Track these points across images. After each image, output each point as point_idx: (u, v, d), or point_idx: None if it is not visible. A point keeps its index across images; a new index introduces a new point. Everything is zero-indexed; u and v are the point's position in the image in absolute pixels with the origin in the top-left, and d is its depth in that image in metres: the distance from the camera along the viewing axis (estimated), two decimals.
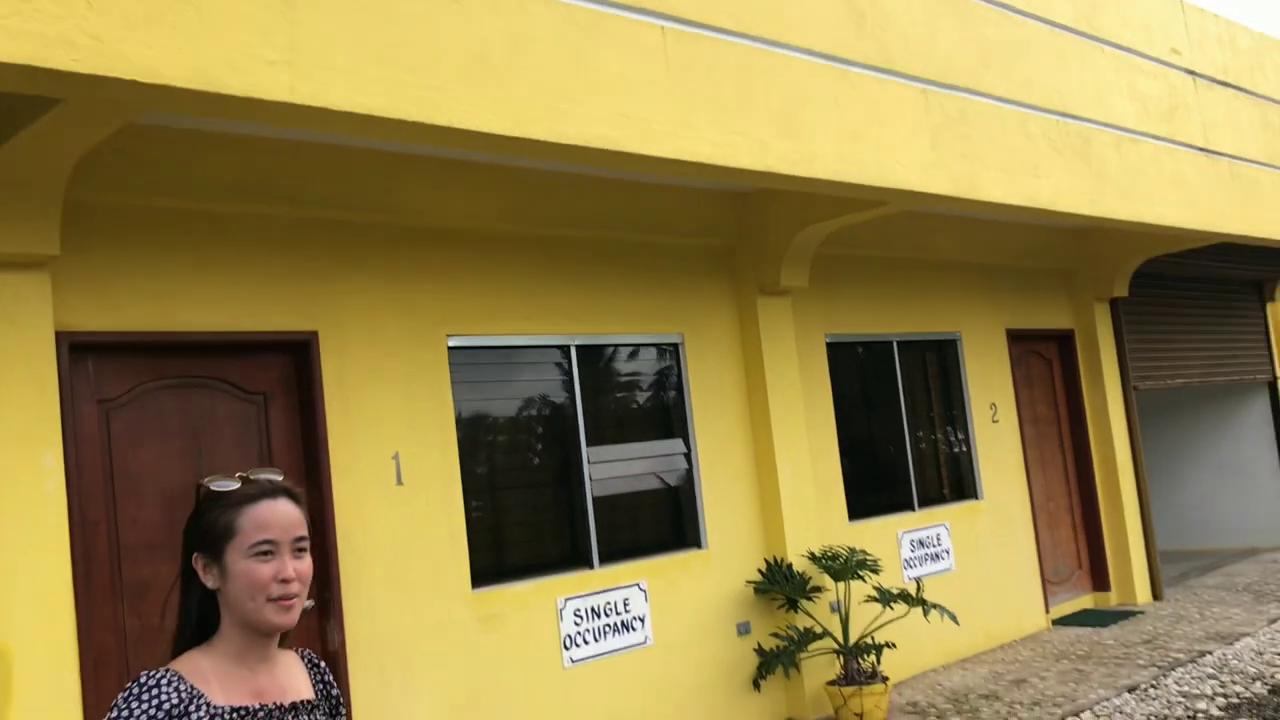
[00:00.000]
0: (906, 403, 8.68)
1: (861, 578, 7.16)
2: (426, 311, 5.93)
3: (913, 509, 8.54)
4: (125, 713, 1.80)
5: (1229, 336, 12.29)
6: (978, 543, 8.95)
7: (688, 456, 7.10)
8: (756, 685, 7.04)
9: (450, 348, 6.03)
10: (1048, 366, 10.43)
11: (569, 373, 6.56)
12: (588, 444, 6.55)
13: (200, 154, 5.11)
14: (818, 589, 7.16)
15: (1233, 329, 12.37)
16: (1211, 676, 7.31)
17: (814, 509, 7.53)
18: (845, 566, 7.11)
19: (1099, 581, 10.33)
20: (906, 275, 8.83)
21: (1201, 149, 9.07)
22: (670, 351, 7.15)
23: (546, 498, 6.50)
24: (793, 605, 7.12)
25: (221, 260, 5.23)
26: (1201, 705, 6.69)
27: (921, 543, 8.48)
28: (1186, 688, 7.09)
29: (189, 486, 4.91)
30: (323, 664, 2.15)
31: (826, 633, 7.06)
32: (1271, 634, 8.45)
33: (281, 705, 1.96)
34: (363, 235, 5.75)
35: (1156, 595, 10.35)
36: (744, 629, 7.10)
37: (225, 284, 5.23)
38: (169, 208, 5.08)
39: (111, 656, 4.79)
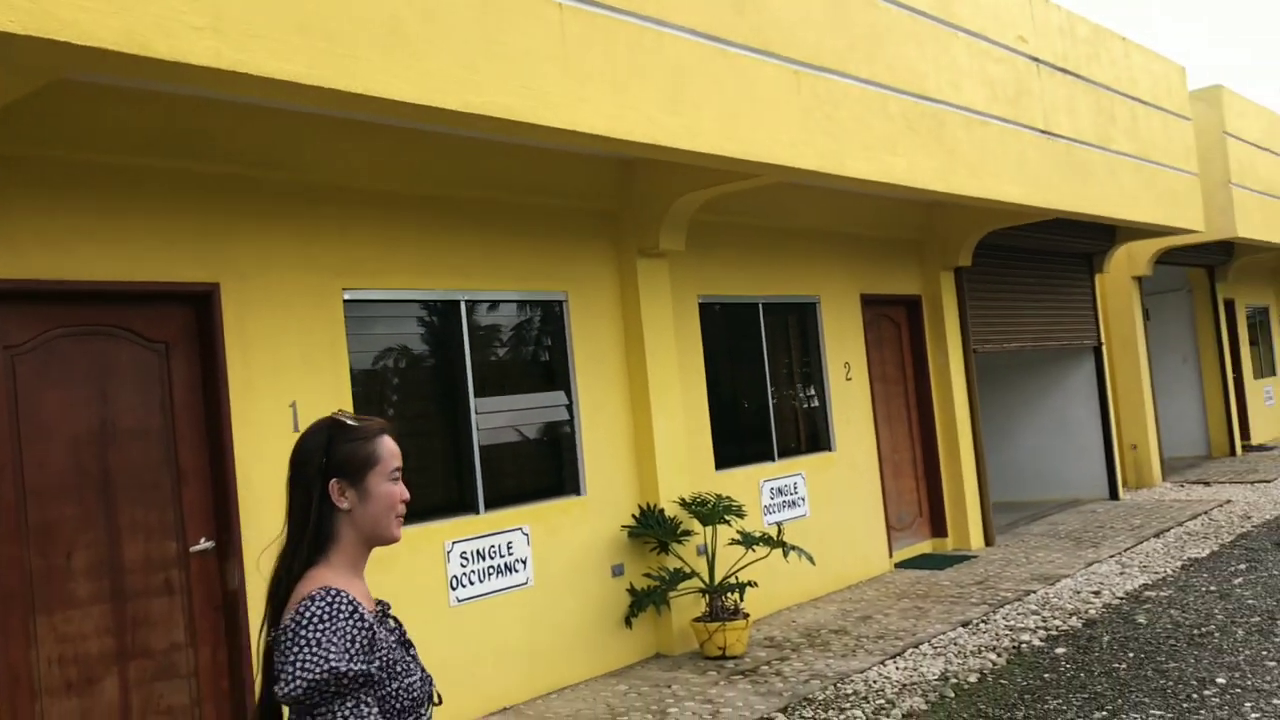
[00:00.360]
0: (769, 361, 9.25)
1: (727, 522, 7.71)
2: (324, 266, 6.15)
3: (773, 459, 9.14)
4: (328, 624, 2.04)
5: (1060, 305, 13.30)
6: (830, 491, 9.63)
7: (569, 409, 7.50)
8: (629, 623, 7.54)
9: (346, 301, 6.26)
10: (897, 329, 11.17)
11: (459, 327, 6.86)
12: (476, 395, 6.88)
13: (110, 109, 5.21)
14: (687, 533, 7.68)
15: (1064, 298, 13.39)
16: (1034, 613, 8.14)
17: (685, 459, 8.04)
18: (713, 512, 7.64)
19: (937, 528, 11.19)
20: (773, 242, 9.36)
21: (1042, 131, 9.84)
22: (555, 308, 7.51)
23: (436, 446, 6.82)
24: (664, 548, 7.62)
25: (127, 212, 5.35)
26: (1025, 637, 7.47)
27: (780, 491, 9.10)
28: (1013, 622, 7.89)
29: (93, 432, 5.09)
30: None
31: (694, 573, 7.59)
32: (1088, 575, 9.38)
33: (380, 605, 2.33)
34: (265, 191, 5.92)
35: (988, 541, 11.27)
36: (618, 570, 7.57)
37: (131, 235, 5.36)
38: (78, 160, 5.18)
39: (17, 596, 4.94)
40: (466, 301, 6.93)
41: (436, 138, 6.60)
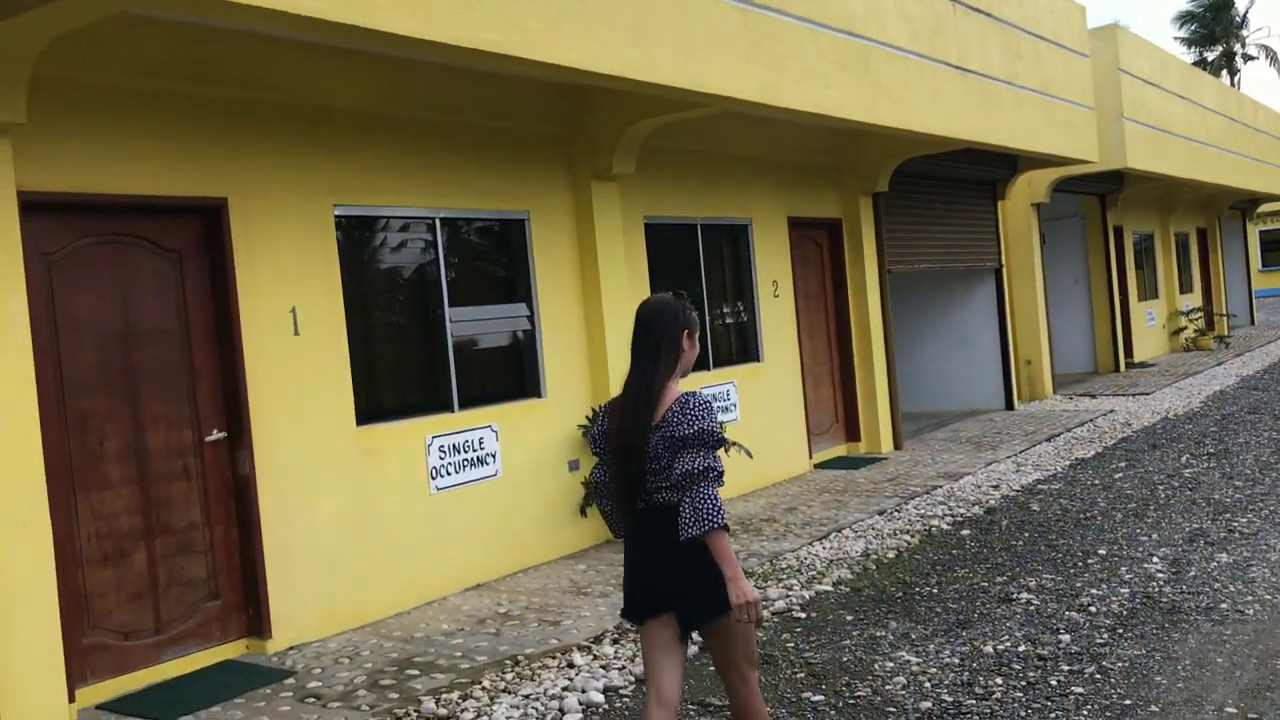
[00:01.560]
0: (706, 278, 10.01)
1: None
2: (318, 183, 6.70)
3: (709, 368, 9.95)
4: (711, 406, 3.49)
5: (966, 229, 14.30)
6: (758, 398, 10.50)
7: (531, 319, 8.17)
8: (583, 512, 8.32)
9: (337, 216, 6.82)
10: (819, 250, 12.01)
11: (434, 241, 7.46)
12: (450, 305, 7.51)
13: (136, 36, 5.66)
14: None
15: (970, 223, 14.39)
16: (941, 503, 9.15)
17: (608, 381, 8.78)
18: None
19: (851, 433, 12.19)
20: (711, 167, 10.07)
21: (957, 66, 10.67)
22: (518, 226, 8.14)
23: (416, 351, 7.46)
24: None
25: (148, 132, 5.84)
26: (935, 522, 8.46)
27: (715, 398, 9.93)
28: (923, 511, 8.88)
29: (119, 332, 5.70)
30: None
31: None
32: (987, 473, 10.45)
33: None
34: (269, 113, 6.43)
35: (898, 445, 12.31)
36: (574, 465, 8.33)
37: (150, 153, 5.85)
38: (106, 83, 5.64)
39: (61, 477, 5.50)
40: (441, 219, 7.52)
41: (416, 64, 7.12)
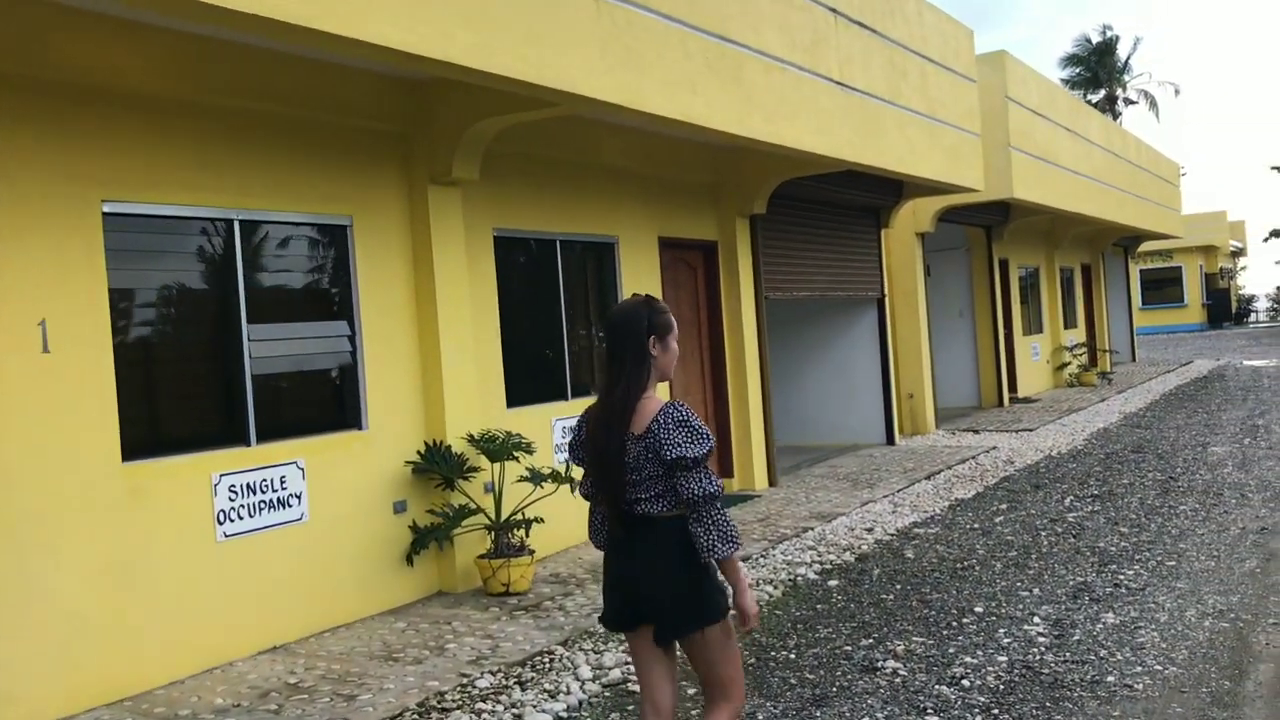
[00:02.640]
0: (566, 298, 9.15)
1: (515, 459, 7.61)
2: (80, 174, 5.66)
3: (566, 398, 9.08)
4: (698, 418, 3.45)
5: (848, 257, 13.72)
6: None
7: (352, 339, 7.20)
8: (410, 560, 7.36)
9: (105, 214, 5.79)
10: (693, 273, 11.26)
11: (232, 247, 6.46)
12: (249, 321, 6.51)
13: None
14: (474, 469, 7.55)
15: (852, 250, 13.81)
16: (811, 548, 8.40)
17: (475, 395, 7.87)
18: (501, 448, 7.52)
19: (724, 468, 11.42)
20: (573, 178, 9.24)
21: (838, 82, 10.03)
22: (339, 233, 7.17)
23: (205, 373, 6.43)
24: (449, 484, 7.46)
25: None
26: (801, 570, 7.70)
27: (568, 430, 9.04)
28: (790, 557, 8.11)
29: None
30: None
31: (480, 510, 7.47)
32: (862, 514, 9.76)
33: None
34: (17, 89, 5.38)
35: (772, 482, 11.58)
36: (400, 507, 7.37)
37: None
38: None
39: None
40: (242, 221, 6.52)
41: (217, 43, 6.16)
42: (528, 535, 7.56)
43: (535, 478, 7.61)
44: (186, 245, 6.30)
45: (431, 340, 7.60)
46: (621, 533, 3.51)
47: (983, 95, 14.67)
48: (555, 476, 7.59)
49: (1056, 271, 23.44)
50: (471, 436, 7.57)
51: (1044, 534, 8.49)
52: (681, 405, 3.45)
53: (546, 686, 5.47)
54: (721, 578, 3.49)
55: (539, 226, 8.88)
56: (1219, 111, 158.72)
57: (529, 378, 8.82)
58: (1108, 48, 55.35)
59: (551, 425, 8.84)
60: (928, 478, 11.67)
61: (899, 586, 7.17)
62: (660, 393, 3.68)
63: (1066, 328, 23.90)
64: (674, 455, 3.33)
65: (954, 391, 19.07)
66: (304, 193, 6.89)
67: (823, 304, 14.38)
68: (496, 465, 7.60)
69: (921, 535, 8.75)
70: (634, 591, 3.51)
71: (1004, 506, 9.78)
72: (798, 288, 12.49)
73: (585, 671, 5.62)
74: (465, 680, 5.63)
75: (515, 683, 5.58)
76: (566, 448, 3.83)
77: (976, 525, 9.00)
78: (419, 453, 7.46)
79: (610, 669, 5.66)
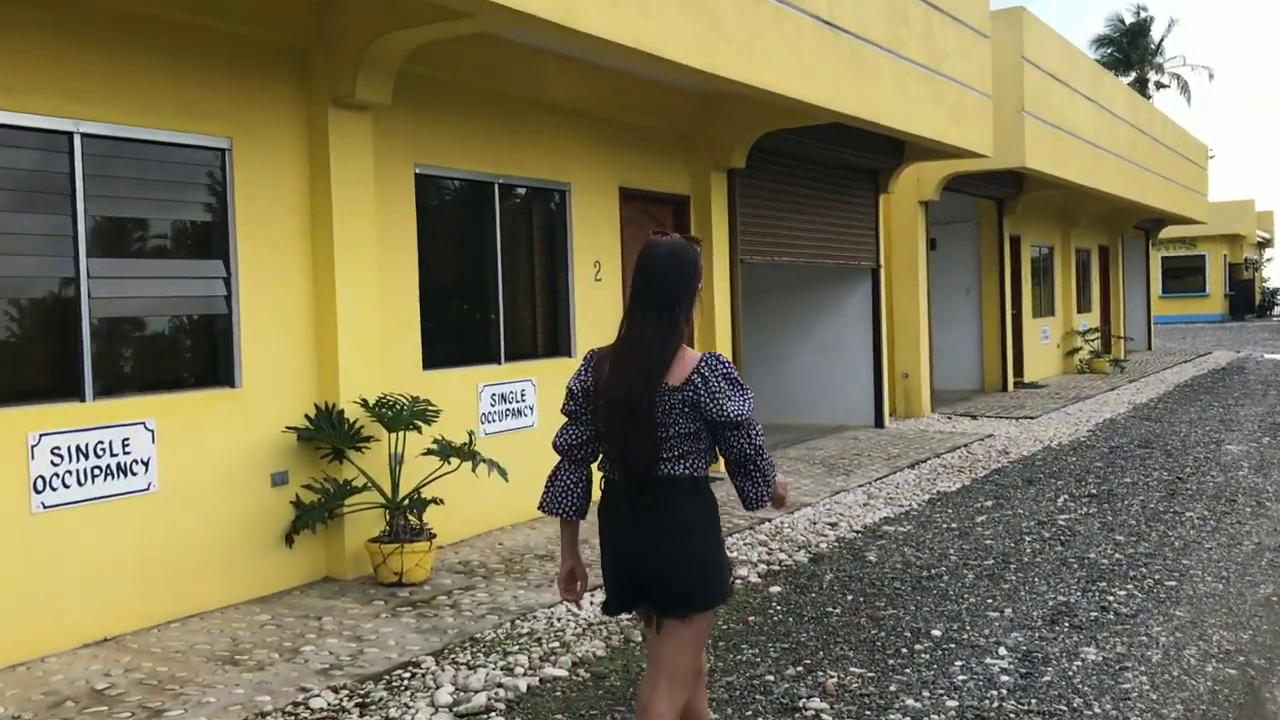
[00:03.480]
0: (504, 249, 8.11)
1: (417, 428, 6.60)
2: None
3: (499, 362, 8.06)
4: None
5: (840, 222, 12.61)
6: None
7: (227, 282, 6.19)
8: (290, 540, 6.38)
9: None
10: (660, 230, 10.18)
11: (70, 166, 5.44)
12: (89, 255, 5.49)
13: None
14: (369, 439, 6.55)
15: (845, 215, 12.70)
16: (762, 544, 7.38)
17: (379, 353, 6.86)
18: (399, 416, 6.52)
19: None
20: (518, 115, 8.17)
21: (825, 21, 8.91)
22: (215, 158, 6.14)
23: (27, 314, 5.42)
24: (339, 456, 6.46)
25: None
26: (744, 572, 6.68)
27: (504, 397, 8.04)
28: (737, 554, 7.09)
29: None
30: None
31: (374, 486, 6.48)
32: (830, 505, 8.73)
33: None
34: None
35: None
36: (280, 479, 6.38)
37: None
38: None
39: None
40: (84, 134, 5.49)
41: None
42: (421, 517, 6.56)
43: (442, 451, 6.61)
44: (10, 161, 5.27)
45: (328, 287, 6.58)
46: (631, 497, 3.10)
47: (996, 54, 13.50)
48: (460, 450, 6.57)
49: (1072, 252, 22.25)
50: (365, 401, 6.56)
51: (1028, 539, 7.45)
52: (721, 356, 3.12)
53: (391, 713, 4.48)
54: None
55: (473, 166, 7.82)
56: (1251, 99, 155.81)
57: (454, 337, 7.80)
58: (1141, 29, 53.55)
59: (478, 392, 7.82)
60: (912, 466, 10.63)
61: (850, 597, 6.15)
62: None
63: (1080, 311, 22.73)
64: (724, 415, 3.02)
65: (955, 373, 17.98)
66: (169, 107, 5.85)
67: (811, 273, 13.30)
68: (394, 435, 6.59)
69: (890, 534, 7.72)
70: (641, 563, 3.12)
71: (989, 504, 8.73)
72: (779, 252, 11.40)
73: (445, 695, 4.63)
74: (301, 697, 4.65)
75: (357, 704, 4.59)
76: (567, 391, 3.29)
77: (954, 525, 7.96)
78: (307, 417, 6.46)
79: (476, 692, 4.66)
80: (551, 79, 8.35)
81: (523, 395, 8.22)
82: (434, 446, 6.67)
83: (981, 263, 17.92)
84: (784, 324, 13.81)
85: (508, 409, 8.08)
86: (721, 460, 3.17)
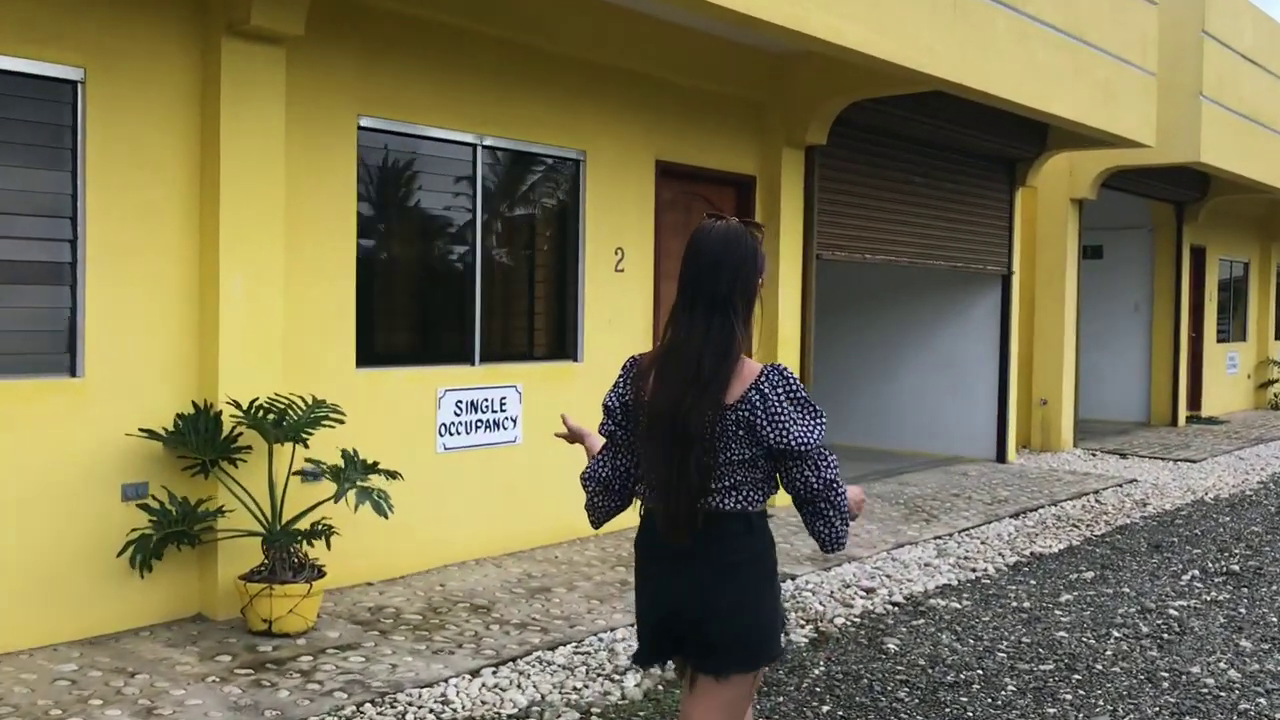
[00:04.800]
0: (485, 227, 6.74)
1: (303, 441, 5.28)
2: None
3: (471, 362, 6.69)
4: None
5: (961, 217, 10.72)
6: (565, 412, 7.16)
7: (73, 246, 5.01)
8: (144, 566, 5.15)
9: None
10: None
11: None
12: None
13: None
14: (246, 450, 5.28)
15: (967, 209, 10.80)
16: None
17: (287, 346, 5.58)
18: (272, 424, 5.22)
19: None
20: (517, 65, 6.79)
21: None
22: (64, 92, 4.97)
23: None
24: (208, 468, 5.22)
25: None
26: None
27: (475, 405, 6.66)
28: None
29: None
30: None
31: (255, 509, 5.21)
32: (884, 561, 7.01)
33: None
34: None
35: None
36: (135, 492, 5.17)
37: None
38: None
39: None
40: None
41: None
42: (308, 549, 5.24)
43: (310, 474, 5.28)
44: None
45: (211, 260, 5.34)
46: (677, 534, 2.61)
47: (1169, 27, 11.37)
48: (339, 472, 5.21)
49: (1274, 270, 19.36)
50: (236, 403, 5.27)
51: (1116, 635, 5.57)
52: (786, 370, 2.59)
53: None
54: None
55: (447, 123, 6.48)
56: None
57: (406, 330, 6.50)
58: None
59: (437, 398, 6.47)
60: (1016, 515, 8.72)
61: (827, 709, 4.49)
62: None
63: (1279, 338, 19.76)
64: (785, 442, 2.51)
65: (1114, 402, 15.64)
66: (5, 25, 4.72)
67: (928, 277, 11.44)
68: (280, 448, 5.30)
69: (935, 611, 5.97)
70: (679, 610, 2.65)
71: (1089, 575, 6.82)
72: (871, 249, 9.63)
73: None
74: None
75: None
76: (604, 408, 2.76)
77: (1027, 604, 6.13)
78: (180, 417, 5.23)
79: None
80: (566, 23, 6.94)
81: (501, 404, 6.82)
82: (309, 465, 5.36)
83: (1155, 276, 15.50)
84: (892, 335, 11.99)
85: (479, 420, 6.70)
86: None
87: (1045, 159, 11.38)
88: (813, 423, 2.54)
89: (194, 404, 5.30)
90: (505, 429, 6.85)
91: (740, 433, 2.53)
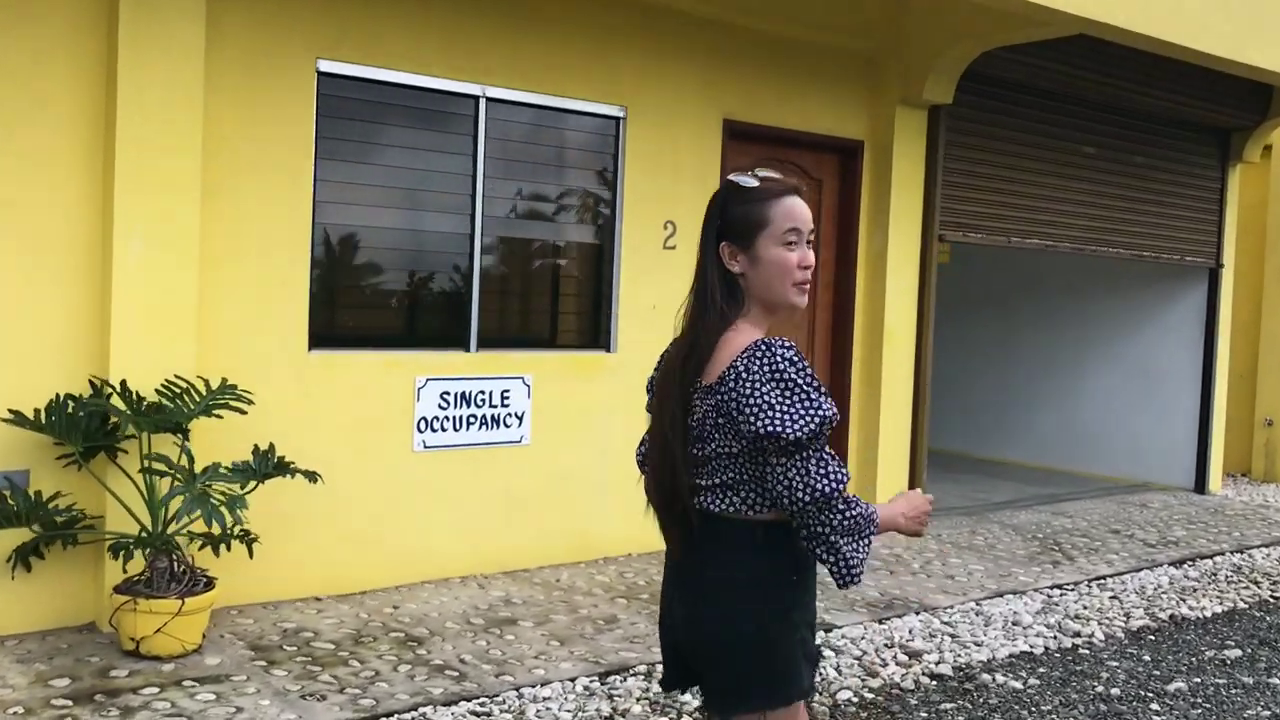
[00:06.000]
0: (487, 193, 5.80)
1: (184, 432, 4.50)
2: None
3: (465, 348, 5.77)
4: (807, 371, 2.11)
5: (1150, 197, 8.90)
6: (589, 412, 6.15)
7: None
8: (13, 568, 4.53)
9: None
10: (815, 189, 7.34)
11: None
12: None
13: None
14: (129, 439, 4.56)
15: (1160, 187, 8.96)
16: None
17: (190, 319, 4.82)
18: (163, 409, 4.46)
19: None
20: (535, 2, 5.83)
21: None
22: None
23: None
24: (81, 460, 4.52)
25: None
26: None
27: (467, 398, 5.74)
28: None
29: None
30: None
31: (141, 509, 4.49)
32: (964, 612, 5.59)
33: None
34: None
35: None
36: (14, 481, 4.55)
37: None
38: None
39: None
40: None
41: None
42: (192, 557, 4.45)
43: (184, 479, 4.45)
44: None
45: (108, 217, 4.65)
46: (675, 540, 2.28)
47: None
48: (192, 476, 4.38)
49: None
50: (99, 385, 4.53)
51: None
52: (779, 345, 2.12)
53: None
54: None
55: (436, 70, 5.58)
56: None
57: (379, 307, 5.63)
58: None
59: (416, 387, 5.58)
60: (1180, 563, 7.00)
61: None
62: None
63: None
64: (755, 428, 2.07)
65: None
66: None
67: (1121, 271, 9.65)
68: (161, 437, 4.55)
69: (982, 691, 4.55)
70: (680, 635, 2.32)
71: (1231, 656, 5.16)
72: (1018, 231, 8.04)
73: None
74: None
75: None
76: (646, 387, 2.44)
77: (1115, 691, 4.60)
78: (69, 399, 4.56)
79: None
80: None
81: (504, 398, 5.86)
82: (228, 465, 4.57)
83: None
84: (1076, 337, 10.23)
85: (472, 415, 5.76)
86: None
87: (1269, 127, 9.34)
88: (799, 409, 2.06)
89: (92, 382, 4.63)
90: (507, 426, 5.89)
91: (720, 420, 2.16)
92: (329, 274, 5.37)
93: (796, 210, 2.23)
